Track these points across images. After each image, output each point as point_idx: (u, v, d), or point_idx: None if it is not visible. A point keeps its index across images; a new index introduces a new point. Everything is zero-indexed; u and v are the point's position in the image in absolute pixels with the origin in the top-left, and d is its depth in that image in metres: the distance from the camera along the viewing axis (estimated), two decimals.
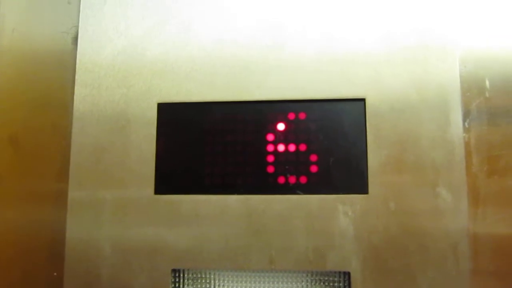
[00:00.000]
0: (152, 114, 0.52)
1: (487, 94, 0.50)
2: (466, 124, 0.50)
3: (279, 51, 0.51)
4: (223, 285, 0.50)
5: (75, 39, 0.54)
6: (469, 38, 0.51)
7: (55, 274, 0.51)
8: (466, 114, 0.50)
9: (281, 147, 0.50)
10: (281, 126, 0.51)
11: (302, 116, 0.51)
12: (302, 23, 0.51)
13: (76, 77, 0.53)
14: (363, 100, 0.50)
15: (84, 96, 0.53)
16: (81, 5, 0.54)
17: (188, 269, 0.50)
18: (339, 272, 0.49)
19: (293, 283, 0.50)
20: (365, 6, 0.51)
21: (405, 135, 0.49)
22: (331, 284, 0.49)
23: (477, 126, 0.50)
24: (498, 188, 0.49)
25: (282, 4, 0.52)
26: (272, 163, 0.50)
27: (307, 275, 0.50)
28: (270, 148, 0.50)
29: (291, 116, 0.51)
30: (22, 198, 0.52)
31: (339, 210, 0.48)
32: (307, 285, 0.50)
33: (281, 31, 0.52)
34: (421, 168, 0.48)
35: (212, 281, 0.51)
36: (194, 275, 0.51)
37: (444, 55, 0.50)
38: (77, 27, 0.54)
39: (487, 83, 0.50)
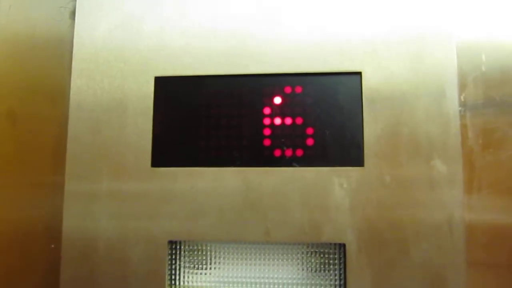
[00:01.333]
0: (149, 88, 0.52)
1: (483, 68, 0.50)
2: (462, 97, 0.50)
3: (275, 25, 0.51)
4: (219, 257, 0.51)
5: (73, 14, 0.54)
6: (467, 15, 0.51)
7: (52, 246, 0.51)
8: (462, 88, 0.50)
9: (277, 121, 0.50)
10: (277, 100, 0.51)
11: (298, 89, 0.51)
12: (301, 1, 0.51)
13: (74, 51, 0.53)
14: (359, 73, 0.50)
15: (81, 70, 0.53)
16: None
17: (184, 241, 0.51)
18: (335, 244, 0.49)
19: (289, 255, 0.50)
20: None
21: (401, 108, 0.49)
22: (327, 256, 0.50)
23: (473, 99, 0.50)
24: (493, 161, 0.49)
25: None
26: (268, 136, 0.50)
27: (302, 247, 0.50)
28: (266, 121, 0.50)
29: (288, 89, 0.51)
30: (21, 168, 0.53)
31: (334, 182, 0.49)
32: (302, 257, 0.50)
33: (278, 6, 0.52)
34: (416, 141, 0.48)
35: (209, 253, 0.51)
36: (191, 247, 0.51)
37: (441, 30, 0.50)
38: (74, 1, 0.54)
39: (483, 57, 0.50)
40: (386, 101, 0.49)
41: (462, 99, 0.50)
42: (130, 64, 0.52)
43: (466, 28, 0.51)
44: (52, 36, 0.55)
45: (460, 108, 0.49)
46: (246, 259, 0.51)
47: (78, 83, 0.53)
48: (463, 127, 0.49)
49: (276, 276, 0.50)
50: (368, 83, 0.50)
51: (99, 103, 0.52)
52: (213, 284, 0.51)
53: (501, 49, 0.50)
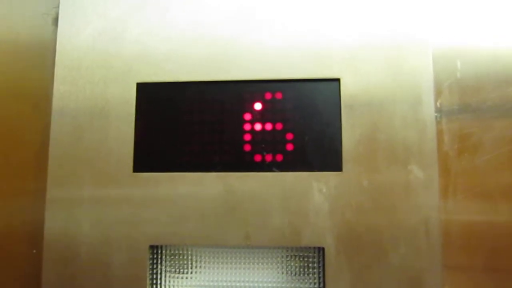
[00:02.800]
0: (131, 94, 0.52)
1: (458, 75, 0.51)
2: (438, 103, 0.51)
3: (256, 32, 0.52)
4: (201, 261, 0.51)
5: (56, 20, 0.55)
6: (442, 23, 0.52)
7: (34, 251, 0.52)
8: (438, 94, 0.51)
9: (258, 126, 0.51)
10: (258, 106, 0.51)
11: (278, 95, 0.52)
12: (280, 9, 0.52)
13: (56, 58, 0.54)
14: (338, 80, 0.51)
15: (64, 77, 0.53)
16: None
17: (166, 246, 0.51)
18: (314, 248, 0.50)
19: (269, 259, 0.51)
20: None
21: (378, 114, 0.50)
22: (306, 259, 0.51)
23: (449, 105, 0.51)
24: (468, 166, 0.50)
25: None
26: (249, 142, 0.51)
27: (282, 251, 0.51)
28: (247, 127, 0.51)
29: (268, 95, 0.52)
30: (2, 173, 0.53)
31: (313, 187, 0.50)
32: (282, 260, 0.51)
33: (258, 13, 0.52)
34: (394, 146, 0.49)
35: (190, 257, 0.51)
36: (172, 252, 0.52)
37: (417, 37, 0.51)
38: (57, 8, 0.55)
39: (459, 64, 0.51)
40: (364, 107, 0.50)
41: (438, 105, 0.51)
42: (113, 70, 0.53)
43: (442, 36, 0.52)
44: (35, 42, 0.56)
45: (436, 114, 0.50)
46: (227, 263, 0.51)
47: (60, 89, 0.53)
48: (439, 132, 0.50)
49: (256, 280, 0.51)
50: (346, 89, 0.51)
51: (81, 109, 0.52)
52: None
53: (476, 56, 0.51)
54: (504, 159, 0.50)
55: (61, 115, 0.53)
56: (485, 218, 0.50)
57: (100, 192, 0.51)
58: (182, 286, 0.51)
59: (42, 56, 0.55)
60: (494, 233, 0.50)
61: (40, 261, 0.50)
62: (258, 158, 0.51)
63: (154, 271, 0.51)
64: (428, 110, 0.50)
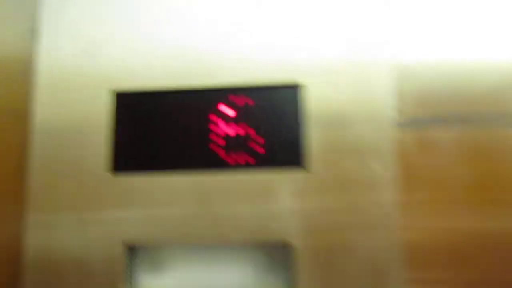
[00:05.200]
0: (110, 101, 0.55)
1: (419, 87, 0.54)
2: (399, 113, 0.54)
3: (226, 44, 0.56)
4: (175, 260, 0.53)
5: (36, 36, 0.57)
6: (405, 38, 0.56)
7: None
8: (400, 104, 0.54)
9: (229, 130, 0.54)
10: (227, 111, 0.55)
11: (249, 102, 0.55)
12: (246, 22, 0.56)
13: (37, 72, 0.56)
14: (304, 87, 0.54)
15: (44, 92, 0.56)
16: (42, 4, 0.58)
17: (141, 246, 0.53)
18: (283, 245, 0.52)
19: (241, 257, 0.53)
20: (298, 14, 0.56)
21: (341, 115, 0.53)
22: (276, 257, 0.53)
23: (410, 115, 0.54)
24: (428, 173, 0.53)
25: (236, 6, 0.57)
26: (221, 145, 0.54)
27: (253, 249, 0.53)
28: (220, 131, 0.54)
29: (239, 101, 0.55)
30: None
31: (282, 187, 0.52)
32: (254, 258, 0.53)
33: (230, 24, 0.56)
34: (357, 145, 0.53)
35: (165, 257, 0.54)
36: (148, 252, 0.54)
37: (381, 51, 0.55)
38: (38, 24, 0.57)
39: (419, 76, 0.55)
40: (328, 109, 0.53)
41: (400, 115, 0.54)
42: (92, 83, 0.56)
43: (404, 50, 0.55)
44: (16, 58, 0.57)
45: (398, 123, 0.53)
46: (200, 261, 0.53)
47: (41, 102, 0.56)
48: (400, 141, 0.53)
49: (228, 277, 0.53)
50: (312, 96, 0.54)
51: (61, 114, 0.55)
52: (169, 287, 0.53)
53: (435, 71, 0.55)
54: (460, 167, 0.53)
55: (41, 121, 0.55)
56: (443, 225, 0.52)
57: (77, 194, 0.53)
58: (157, 286, 0.53)
59: (22, 71, 0.57)
60: (454, 239, 0.52)
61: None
62: (229, 160, 0.54)
63: (130, 271, 0.53)
64: (390, 118, 0.53)
